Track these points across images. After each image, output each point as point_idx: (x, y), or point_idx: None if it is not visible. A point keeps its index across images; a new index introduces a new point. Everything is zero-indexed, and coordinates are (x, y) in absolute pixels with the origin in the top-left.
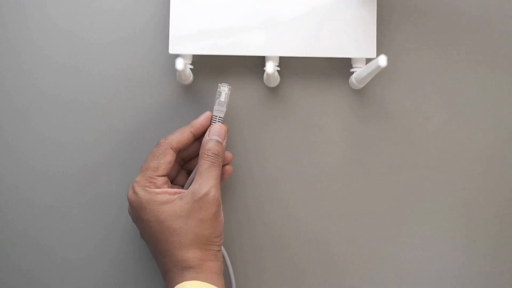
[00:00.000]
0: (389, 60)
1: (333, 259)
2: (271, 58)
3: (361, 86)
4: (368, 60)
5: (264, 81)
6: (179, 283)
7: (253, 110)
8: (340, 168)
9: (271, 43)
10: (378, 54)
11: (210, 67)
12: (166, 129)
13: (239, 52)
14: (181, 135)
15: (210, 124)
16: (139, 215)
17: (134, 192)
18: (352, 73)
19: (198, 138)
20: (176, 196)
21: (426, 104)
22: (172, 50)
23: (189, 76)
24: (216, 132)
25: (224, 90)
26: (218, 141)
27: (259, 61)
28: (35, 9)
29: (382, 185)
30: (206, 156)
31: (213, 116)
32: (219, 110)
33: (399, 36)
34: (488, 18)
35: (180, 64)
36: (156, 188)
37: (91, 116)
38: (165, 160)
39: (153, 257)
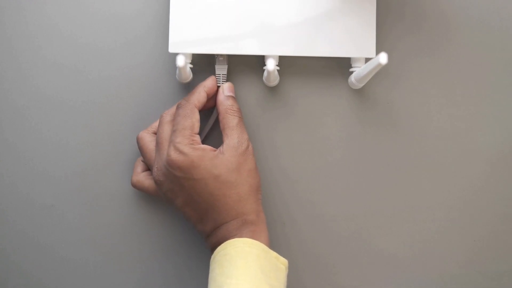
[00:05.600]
0: (388, 60)
1: (333, 259)
2: (271, 56)
3: (361, 85)
4: (367, 60)
5: (264, 80)
6: (240, 236)
7: (253, 109)
8: (340, 167)
9: (271, 42)
10: (377, 53)
11: (210, 66)
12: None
13: (239, 52)
14: (199, 95)
15: (217, 84)
16: (190, 175)
17: (181, 152)
18: (352, 72)
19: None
20: (217, 151)
21: (426, 104)
22: (172, 49)
23: (189, 75)
24: (230, 89)
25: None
26: (234, 97)
27: (259, 61)
28: (35, 11)
29: (382, 185)
30: (232, 111)
31: (217, 75)
32: (221, 68)
33: (398, 35)
34: (489, 18)
35: (181, 60)
36: (199, 145)
37: (91, 116)
38: (196, 118)
39: (197, 221)
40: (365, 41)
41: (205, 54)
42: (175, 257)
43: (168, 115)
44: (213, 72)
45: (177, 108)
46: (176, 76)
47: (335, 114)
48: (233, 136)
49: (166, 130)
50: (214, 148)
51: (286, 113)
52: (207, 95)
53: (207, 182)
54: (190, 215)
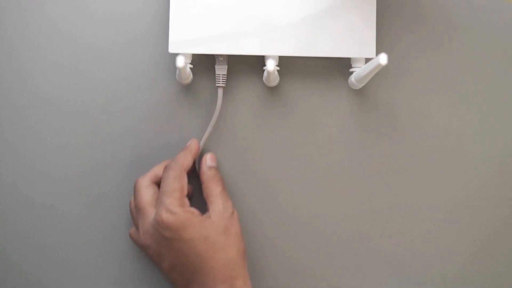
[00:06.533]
0: (388, 60)
1: (333, 259)
2: (271, 56)
3: (361, 85)
4: (367, 60)
5: (264, 80)
6: None
7: (253, 109)
8: (340, 168)
9: (271, 42)
10: (377, 53)
11: (210, 66)
12: (165, 129)
13: (239, 52)
14: (186, 159)
15: (216, 84)
16: (179, 236)
17: (172, 213)
18: (352, 73)
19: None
20: (204, 215)
21: (426, 104)
22: (171, 49)
23: (189, 75)
24: (213, 159)
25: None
26: (216, 167)
27: (259, 61)
28: (35, 11)
29: (382, 185)
30: (215, 181)
31: (217, 75)
32: (221, 68)
33: (398, 35)
34: (489, 18)
35: (181, 61)
36: (189, 207)
37: (91, 116)
38: (185, 181)
39: (183, 286)
40: (365, 41)
41: (205, 54)
42: None
43: (145, 180)
44: (213, 72)
45: (167, 169)
46: (176, 77)
47: (335, 114)
48: (217, 203)
49: (146, 194)
50: (201, 213)
51: (286, 113)
52: (193, 159)
53: (196, 243)
54: (176, 280)
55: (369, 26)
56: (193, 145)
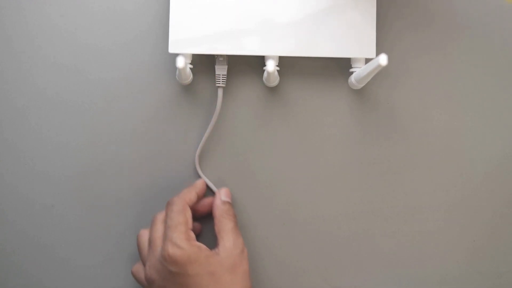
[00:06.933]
0: (388, 60)
1: (333, 259)
2: (271, 57)
3: (361, 86)
4: (367, 60)
5: (264, 80)
6: None
7: (253, 110)
8: (340, 167)
9: (271, 43)
10: (377, 54)
11: (210, 67)
12: (165, 129)
13: (239, 52)
14: (189, 194)
15: (216, 84)
16: (185, 271)
17: (178, 247)
18: (352, 73)
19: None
20: (212, 251)
21: (426, 104)
22: (171, 49)
23: (189, 75)
24: (227, 195)
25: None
26: (231, 203)
27: (259, 61)
28: (35, 11)
29: (382, 185)
30: (228, 216)
31: (217, 75)
32: (221, 68)
33: (398, 36)
34: (489, 18)
35: (181, 62)
36: (195, 241)
37: (91, 116)
38: (189, 214)
39: None
40: (365, 41)
41: (205, 54)
42: None
43: (161, 215)
44: (213, 72)
45: (169, 204)
46: (176, 77)
47: (335, 114)
48: (228, 239)
49: (159, 229)
50: (209, 248)
51: (286, 113)
52: (197, 196)
53: (202, 279)
54: None
55: (369, 26)
56: (199, 183)
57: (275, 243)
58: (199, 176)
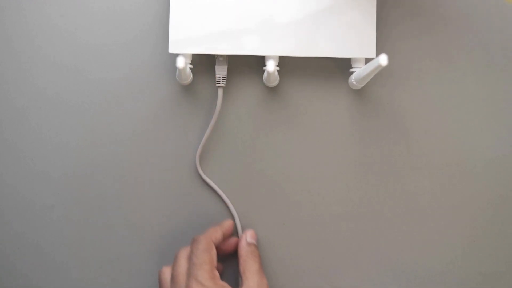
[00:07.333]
0: (388, 60)
1: (333, 259)
2: (271, 57)
3: (361, 86)
4: (367, 60)
5: (264, 80)
6: None
7: (253, 110)
8: (340, 167)
9: (271, 43)
10: (377, 54)
11: (210, 67)
12: (165, 129)
13: (239, 52)
14: (215, 232)
15: (216, 84)
16: None
17: (203, 285)
18: (352, 73)
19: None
20: None
21: (426, 104)
22: (171, 49)
23: (189, 75)
24: (253, 237)
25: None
26: (256, 245)
27: (259, 61)
28: (35, 11)
29: (382, 185)
30: (254, 257)
31: (217, 75)
32: (221, 68)
33: (398, 36)
34: (489, 19)
35: (181, 62)
36: (220, 280)
37: (91, 116)
38: (214, 252)
39: None
40: (365, 41)
41: (205, 54)
42: None
43: (185, 251)
44: (213, 72)
45: (194, 242)
46: (176, 77)
47: (335, 114)
48: (253, 279)
49: (183, 265)
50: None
51: (286, 113)
52: (224, 235)
53: None
54: None
55: (369, 26)
56: (227, 223)
57: (275, 243)
58: (200, 177)
